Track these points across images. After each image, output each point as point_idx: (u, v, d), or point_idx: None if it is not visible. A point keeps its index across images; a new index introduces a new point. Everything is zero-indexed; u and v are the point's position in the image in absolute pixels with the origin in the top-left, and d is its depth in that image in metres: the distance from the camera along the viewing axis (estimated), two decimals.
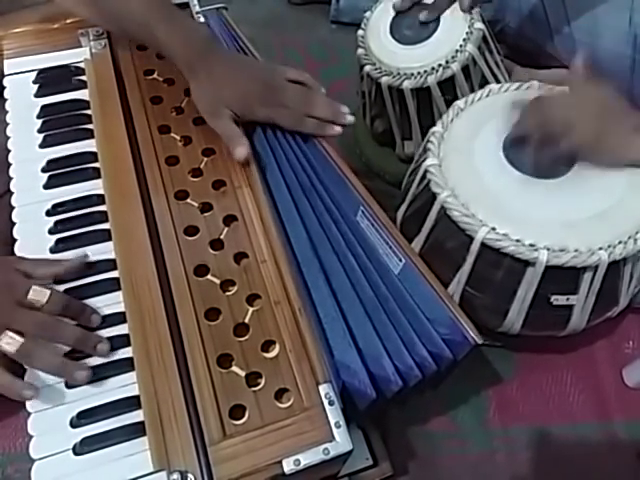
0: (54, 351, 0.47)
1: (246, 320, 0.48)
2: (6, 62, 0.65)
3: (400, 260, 0.51)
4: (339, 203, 0.55)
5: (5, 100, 0.62)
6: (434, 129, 0.62)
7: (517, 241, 0.53)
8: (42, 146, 0.59)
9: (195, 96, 0.59)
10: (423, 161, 0.61)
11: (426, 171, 0.60)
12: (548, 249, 0.53)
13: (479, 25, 0.70)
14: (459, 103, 0.64)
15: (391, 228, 0.53)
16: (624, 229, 0.54)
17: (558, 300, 0.57)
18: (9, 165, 0.58)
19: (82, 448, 0.44)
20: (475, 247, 0.55)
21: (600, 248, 0.53)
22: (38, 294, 0.46)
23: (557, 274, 0.54)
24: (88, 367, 0.46)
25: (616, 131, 0.56)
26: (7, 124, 0.60)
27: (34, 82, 0.63)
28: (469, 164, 0.59)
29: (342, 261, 0.52)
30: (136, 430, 0.44)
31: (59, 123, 0.60)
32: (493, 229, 0.54)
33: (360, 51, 0.76)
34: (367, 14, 0.77)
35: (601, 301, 0.58)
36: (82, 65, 0.64)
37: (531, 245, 0.53)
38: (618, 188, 0.56)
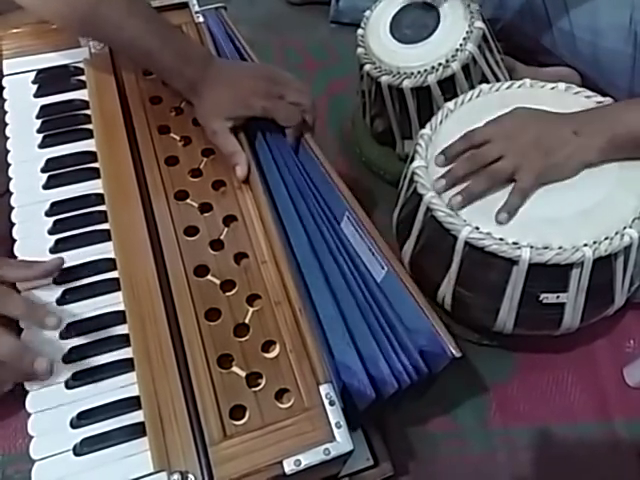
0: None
1: (246, 320, 0.48)
2: (5, 62, 0.64)
3: (382, 268, 0.51)
4: (329, 208, 0.55)
5: (4, 100, 0.62)
6: (422, 131, 0.62)
7: (500, 239, 0.53)
8: (41, 146, 0.59)
9: (198, 114, 0.59)
10: (411, 163, 0.61)
11: (413, 173, 0.60)
12: (531, 247, 0.53)
13: (479, 24, 0.70)
14: (449, 105, 0.64)
15: (375, 235, 0.52)
16: (611, 225, 0.53)
17: (548, 298, 0.57)
18: (8, 165, 0.58)
19: (82, 449, 0.43)
20: (460, 247, 0.55)
21: (585, 244, 0.52)
22: None
23: (544, 272, 0.54)
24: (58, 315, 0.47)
25: (558, 143, 0.55)
26: (6, 124, 0.60)
27: (33, 82, 0.63)
28: None
29: (338, 263, 0.52)
30: (136, 430, 0.44)
31: (58, 123, 0.60)
32: (477, 228, 0.54)
33: (360, 50, 0.76)
34: (367, 13, 0.77)
35: (594, 299, 0.58)
36: (81, 65, 0.64)
37: (514, 243, 0.53)
38: (606, 184, 0.56)
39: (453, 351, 0.46)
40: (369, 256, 0.52)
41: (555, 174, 0.56)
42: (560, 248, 0.52)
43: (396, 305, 0.50)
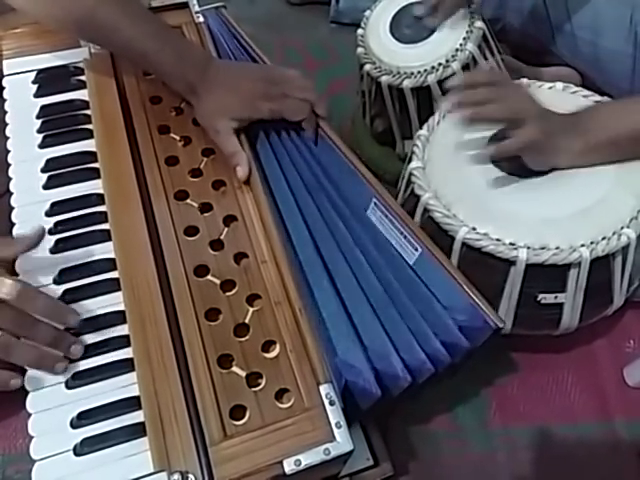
0: (31, 345, 0.46)
1: (246, 320, 0.48)
2: (5, 62, 0.64)
3: (415, 250, 0.51)
4: (348, 198, 0.55)
5: (4, 100, 0.62)
6: (420, 132, 0.63)
7: (497, 240, 0.53)
8: (41, 146, 0.59)
9: (198, 115, 0.59)
10: (408, 164, 0.61)
11: (410, 174, 0.60)
12: (528, 247, 0.53)
13: (479, 24, 0.70)
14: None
15: (405, 218, 0.52)
16: (608, 225, 0.53)
17: (546, 299, 0.57)
18: (8, 165, 0.58)
19: (82, 449, 0.43)
20: (457, 247, 0.55)
21: (582, 245, 0.52)
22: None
23: (542, 272, 0.54)
24: (64, 358, 0.46)
25: (563, 132, 0.55)
26: (6, 124, 0.60)
27: (33, 82, 0.63)
28: (453, 166, 0.59)
29: (349, 259, 0.52)
30: (136, 431, 0.44)
31: (58, 123, 0.60)
32: (474, 229, 0.54)
33: (360, 50, 0.76)
34: (367, 13, 0.77)
35: (593, 299, 0.58)
36: (81, 65, 0.64)
37: (511, 244, 0.53)
38: (603, 184, 0.55)
39: (495, 321, 0.47)
40: (400, 240, 0.52)
41: (540, 157, 0.55)
42: (557, 248, 0.52)
43: (432, 285, 0.50)
